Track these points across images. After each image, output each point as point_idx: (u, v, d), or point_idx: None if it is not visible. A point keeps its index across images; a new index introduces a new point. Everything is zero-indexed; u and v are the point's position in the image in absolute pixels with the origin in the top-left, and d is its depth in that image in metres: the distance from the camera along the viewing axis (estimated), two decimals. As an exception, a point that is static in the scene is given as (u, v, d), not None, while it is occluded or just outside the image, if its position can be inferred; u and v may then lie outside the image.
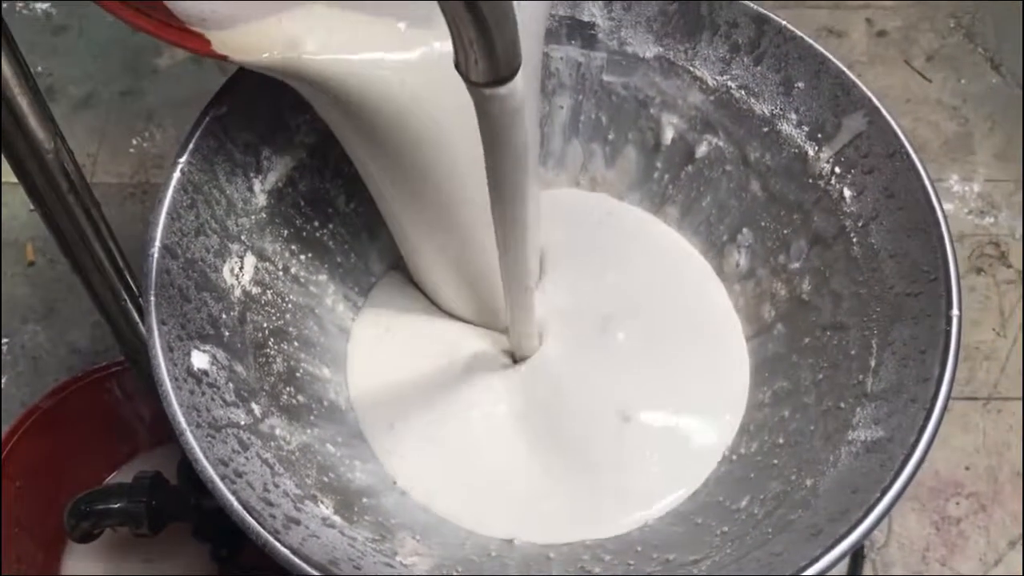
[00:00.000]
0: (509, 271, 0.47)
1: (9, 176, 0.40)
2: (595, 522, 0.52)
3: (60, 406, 0.69)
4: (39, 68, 0.98)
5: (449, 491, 0.53)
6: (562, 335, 0.58)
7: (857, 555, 0.80)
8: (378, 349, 0.59)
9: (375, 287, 0.62)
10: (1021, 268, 0.93)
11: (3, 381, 0.80)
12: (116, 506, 0.58)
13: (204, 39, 0.42)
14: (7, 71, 0.36)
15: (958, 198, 0.97)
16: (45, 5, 1.02)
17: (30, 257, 0.86)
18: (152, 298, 0.45)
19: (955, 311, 0.44)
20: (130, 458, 0.74)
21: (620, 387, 0.56)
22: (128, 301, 0.50)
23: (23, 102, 0.38)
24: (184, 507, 0.59)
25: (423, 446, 0.55)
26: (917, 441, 0.42)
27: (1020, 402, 0.87)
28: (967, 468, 0.84)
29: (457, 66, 0.34)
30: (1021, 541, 0.81)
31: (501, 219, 0.43)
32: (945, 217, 0.47)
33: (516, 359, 0.57)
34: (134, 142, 0.94)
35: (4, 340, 0.82)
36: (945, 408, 0.43)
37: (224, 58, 0.43)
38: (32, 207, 0.44)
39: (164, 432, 0.43)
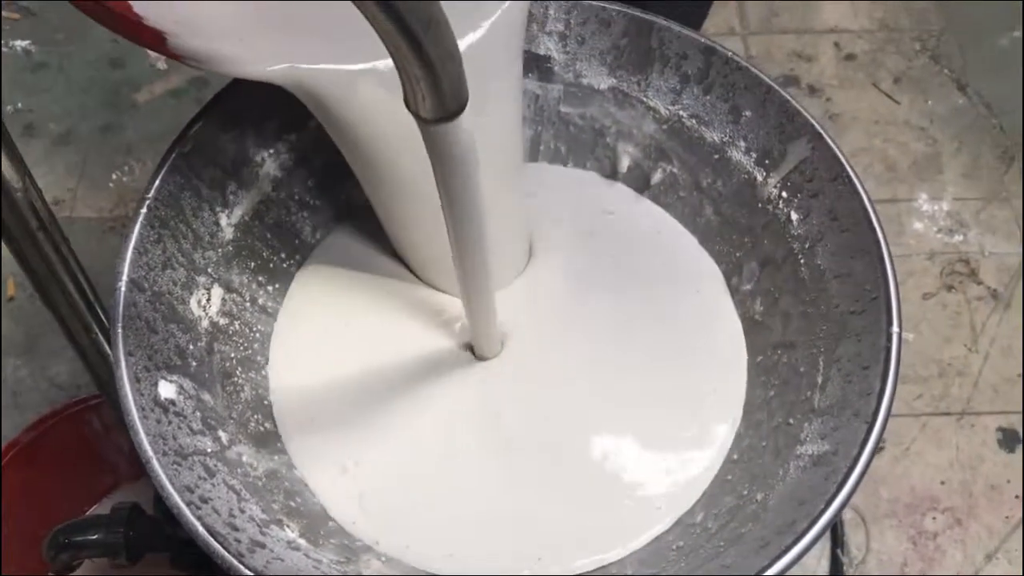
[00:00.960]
0: (464, 277, 0.46)
1: (-15, 215, 0.42)
2: (564, 561, 0.48)
3: (40, 440, 0.70)
4: (19, 105, 0.99)
5: (390, 524, 0.49)
6: (533, 336, 0.55)
7: (836, 570, 0.81)
8: (305, 343, 0.55)
9: (304, 265, 0.58)
10: (991, 284, 0.94)
11: (-16, 415, 0.80)
12: (94, 537, 0.58)
13: (161, 35, 0.42)
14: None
15: (928, 217, 0.98)
16: (24, 43, 1.03)
17: (11, 292, 0.87)
18: (119, 330, 0.45)
19: (895, 328, 0.45)
20: (111, 490, 0.75)
21: (600, 400, 0.53)
22: (99, 334, 0.51)
23: (-9, 144, 0.39)
24: (161, 537, 0.59)
25: (357, 465, 0.51)
26: (860, 453, 0.43)
27: (993, 416, 0.88)
28: (942, 483, 0.85)
29: (407, 103, 0.35)
30: (998, 553, 0.82)
31: (452, 233, 0.43)
32: (885, 238, 0.48)
33: (477, 356, 0.54)
34: (113, 176, 0.95)
35: (-15, 375, 0.82)
36: (887, 421, 0.44)
37: (178, 58, 0.42)
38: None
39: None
